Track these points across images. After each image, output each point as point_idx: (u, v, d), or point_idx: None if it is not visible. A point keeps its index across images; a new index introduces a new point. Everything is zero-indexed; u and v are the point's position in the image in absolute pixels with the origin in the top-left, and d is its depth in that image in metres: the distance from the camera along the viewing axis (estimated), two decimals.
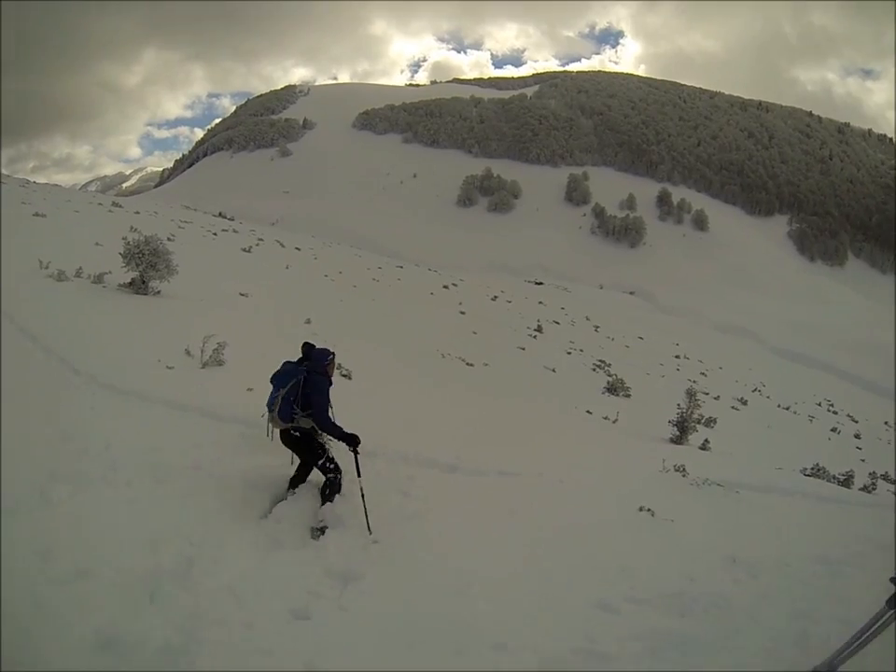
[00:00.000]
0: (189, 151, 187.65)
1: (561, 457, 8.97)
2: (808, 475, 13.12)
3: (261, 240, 41.58)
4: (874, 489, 14.51)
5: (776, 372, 51.29)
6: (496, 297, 48.23)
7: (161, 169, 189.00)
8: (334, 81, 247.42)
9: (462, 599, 4.44)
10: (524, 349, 25.78)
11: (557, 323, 41.37)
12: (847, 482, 13.98)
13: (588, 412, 16.04)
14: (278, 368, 5.53)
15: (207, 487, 5.30)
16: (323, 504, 5.25)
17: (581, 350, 30.67)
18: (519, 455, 8.44)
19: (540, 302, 54.51)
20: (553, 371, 22.38)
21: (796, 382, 49.72)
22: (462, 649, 3.88)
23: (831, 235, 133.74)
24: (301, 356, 5.60)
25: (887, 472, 18.99)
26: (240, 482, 5.52)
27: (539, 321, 36.26)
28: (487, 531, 5.77)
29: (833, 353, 74.61)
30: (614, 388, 20.99)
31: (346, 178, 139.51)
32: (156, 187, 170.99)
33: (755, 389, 36.94)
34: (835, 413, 38.37)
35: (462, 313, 32.17)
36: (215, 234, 37.22)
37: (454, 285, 48.50)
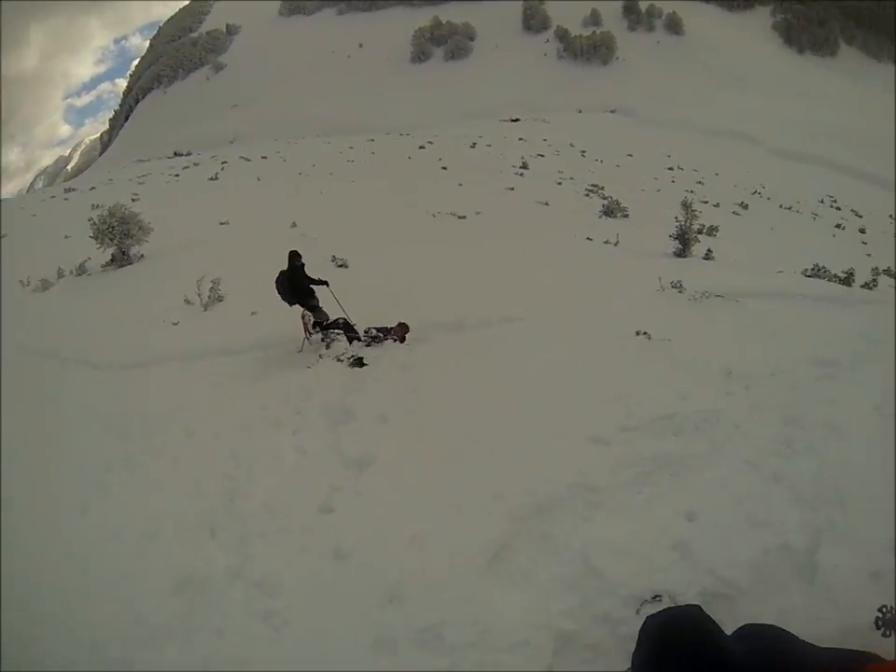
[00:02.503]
0: (120, 105, 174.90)
1: (564, 294, 9.09)
2: (809, 276, 12.99)
3: (225, 162, 40.23)
4: (874, 285, 14.36)
5: (774, 173, 49.49)
6: (474, 144, 46.29)
7: (99, 134, 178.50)
8: None
9: (459, 458, 4.83)
10: (513, 189, 25.18)
11: (542, 156, 39.95)
12: (847, 280, 13.64)
13: (588, 238, 15.84)
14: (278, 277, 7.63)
15: (232, 424, 5.92)
16: (350, 343, 7.46)
17: (571, 178, 29.90)
18: (523, 299, 8.64)
19: (521, 139, 52.32)
20: (547, 204, 21.96)
21: (796, 181, 47.94)
22: (463, 504, 4.29)
23: (819, 24, 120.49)
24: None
25: (889, 267, 18.71)
26: (261, 402, 6.26)
27: (522, 158, 35.03)
28: (484, 378, 6.17)
29: (831, 147, 70.38)
30: (611, 210, 20.67)
31: (291, 70, 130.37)
32: (101, 154, 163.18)
33: (755, 192, 36.13)
34: (838, 209, 37.44)
35: (444, 168, 31.30)
36: (177, 175, 36.13)
37: (429, 143, 46.69)
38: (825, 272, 13.55)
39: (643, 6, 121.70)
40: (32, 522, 4.72)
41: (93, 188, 36.71)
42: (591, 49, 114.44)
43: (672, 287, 8.61)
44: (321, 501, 4.55)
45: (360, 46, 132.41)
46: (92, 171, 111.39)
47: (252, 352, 7.84)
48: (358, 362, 6.82)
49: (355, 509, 4.45)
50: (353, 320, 7.69)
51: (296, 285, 7.62)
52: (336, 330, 7.62)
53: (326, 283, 7.76)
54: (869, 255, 21.03)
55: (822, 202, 39.21)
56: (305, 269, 7.72)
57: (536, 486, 4.34)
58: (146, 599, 3.83)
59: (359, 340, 7.39)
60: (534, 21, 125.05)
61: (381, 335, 7.32)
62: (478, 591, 3.61)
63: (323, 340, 7.59)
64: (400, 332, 7.48)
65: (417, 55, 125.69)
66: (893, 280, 16.82)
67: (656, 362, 6.23)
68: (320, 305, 7.84)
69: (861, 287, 13.63)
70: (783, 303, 8.50)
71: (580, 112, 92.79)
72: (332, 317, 7.77)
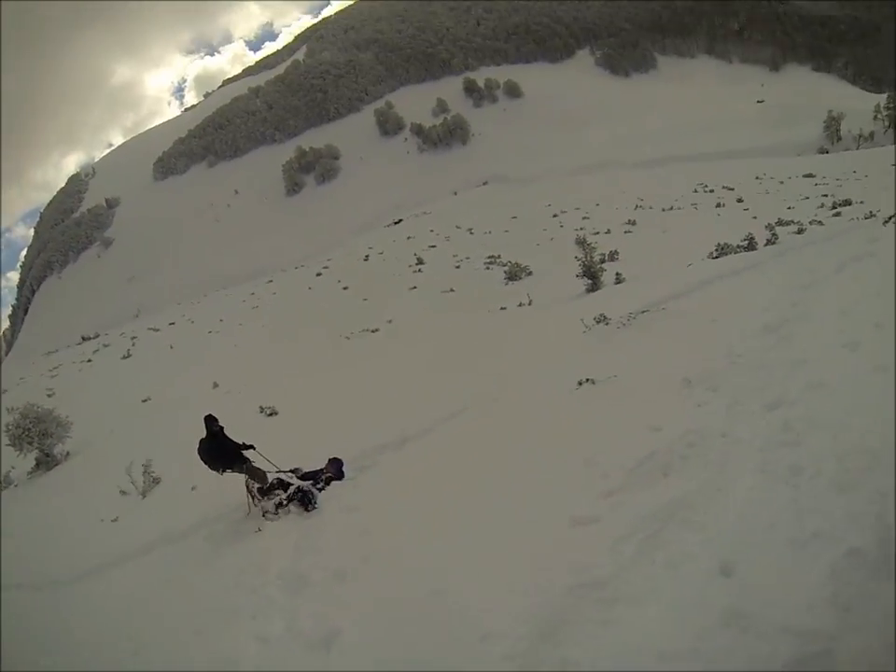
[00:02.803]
0: (17, 299, 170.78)
1: (495, 370, 8.88)
2: (716, 257, 13.58)
3: (135, 337, 39.61)
4: (777, 239, 15.25)
5: (646, 184, 53.50)
6: (367, 256, 47.71)
7: (2, 333, 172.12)
8: (111, 148, 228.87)
9: (426, 605, 3.93)
10: (415, 287, 25.92)
11: (434, 246, 41.22)
12: (751, 245, 14.53)
13: (502, 308, 16.04)
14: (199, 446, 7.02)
15: (187, 629, 5.12)
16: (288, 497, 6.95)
17: (467, 258, 30.71)
18: (457, 392, 8.32)
19: (409, 237, 54.18)
20: (452, 290, 22.49)
21: (667, 183, 52.26)
22: (451, 643, 3.49)
23: (633, 46, 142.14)
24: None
25: (779, 219, 20.50)
26: (213, 589, 5.61)
27: (415, 254, 35.99)
28: (437, 491, 5.59)
29: (682, 143, 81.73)
30: (514, 275, 21.37)
31: (177, 231, 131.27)
32: (6, 354, 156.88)
33: (636, 206, 38.51)
34: (712, 191, 41.23)
35: (345, 288, 31.86)
36: (89, 361, 35.08)
37: (325, 268, 47.78)
38: (728, 247, 14.18)
39: (480, 82, 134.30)
40: None
41: (6, 390, 35.11)
42: (447, 135, 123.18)
43: (597, 322, 8.48)
44: None
45: (236, 192, 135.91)
46: (2, 372, 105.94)
47: (199, 531, 7.17)
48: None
49: None
50: (286, 469, 7.29)
51: (221, 451, 7.08)
52: (277, 490, 7.10)
53: (251, 446, 7.27)
54: (755, 217, 22.72)
55: (696, 190, 42.68)
56: (225, 431, 7.22)
57: (527, 610, 3.44)
58: None
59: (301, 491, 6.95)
60: (389, 125, 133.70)
61: (314, 480, 6.98)
62: None
63: (269, 500, 7.03)
64: (332, 469, 7.16)
65: (291, 187, 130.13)
66: (793, 226, 18.15)
67: (611, 404, 5.77)
68: (252, 463, 7.28)
69: (766, 245, 14.35)
70: (707, 292, 8.60)
71: (455, 194, 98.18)
72: (267, 474, 7.28)
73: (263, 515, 6.86)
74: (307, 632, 4.30)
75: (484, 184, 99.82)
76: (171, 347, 28.96)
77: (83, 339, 65.16)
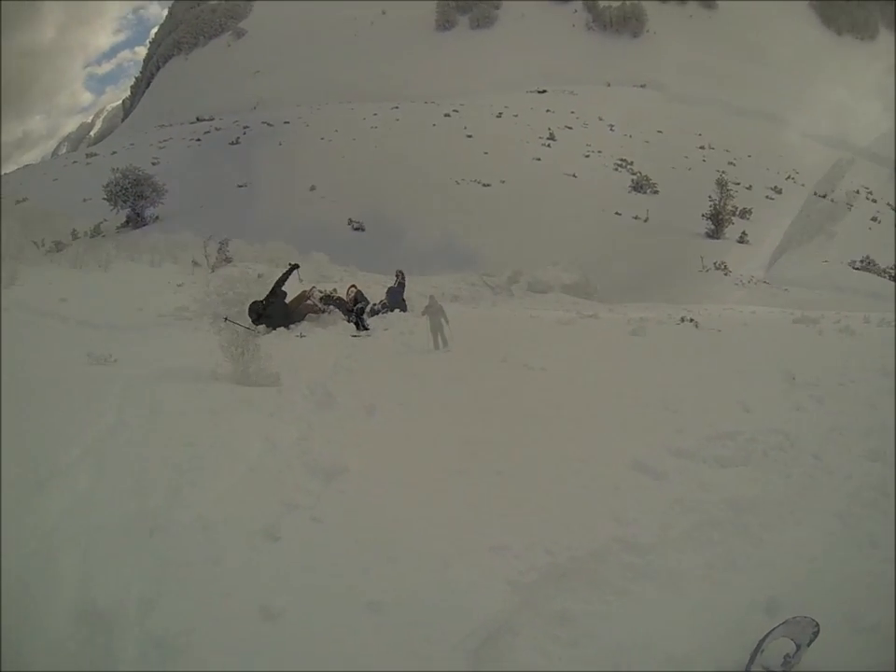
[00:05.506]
0: (141, 72, 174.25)
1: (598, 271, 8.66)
2: (857, 268, 12.05)
3: (247, 127, 39.83)
4: None
5: (809, 160, 47.24)
6: (500, 113, 45.28)
7: (122, 101, 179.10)
8: None
9: (448, 487, 3.57)
10: (539, 159, 24.55)
11: (570, 128, 38.83)
12: None
13: (617, 213, 15.45)
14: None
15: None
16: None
17: (600, 151, 29.02)
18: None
19: (548, 110, 51.02)
20: (574, 175, 21.36)
21: (834, 167, 45.01)
22: (452, 556, 3.00)
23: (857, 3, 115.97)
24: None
25: None
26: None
27: (549, 129, 34.16)
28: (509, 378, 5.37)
29: (865, 136, 68.46)
30: (640, 186, 20.09)
31: (313, 37, 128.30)
32: (123, 121, 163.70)
33: (788, 177, 34.64)
34: (874, 201, 35.70)
35: (469, 136, 30.63)
36: (198, 140, 35.86)
37: (454, 111, 45.93)
38: (874, 265, 12.44)
39: None
40: None
41: (115, 152, 36.54)
42: (621, 20, 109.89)
43: (716, 267, 8.07)
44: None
45: (383, 13, 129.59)
46: (115, 137, 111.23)
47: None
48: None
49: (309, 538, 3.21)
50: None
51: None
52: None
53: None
54: None
55: (858, 192, 37.63)
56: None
57: (554, 536, 3.07)
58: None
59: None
60: None
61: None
62: None
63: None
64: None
65: (443, 22, 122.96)
66: None
67: (707, 356, 5.31)
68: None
69: None
70: (834, 296, 7.83)
71: (608, 85, 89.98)
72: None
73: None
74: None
75: (642, 86, 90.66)
76: (279, 144, 28.99)
77: (197, 119, 66.46)
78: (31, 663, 2.52)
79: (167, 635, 2.52)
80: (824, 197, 30.13)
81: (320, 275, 11.17)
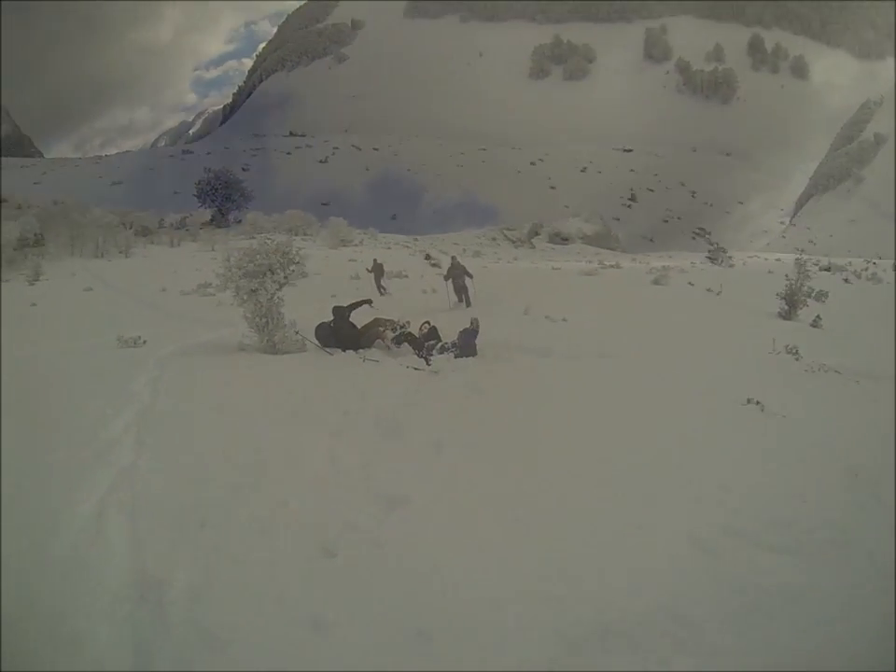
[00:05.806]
0: (245, 81, 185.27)
1: (661, 335, 8.58)
2: None
3: (336, 148, 41.51)
4: None
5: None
6: (585, 168, 45.80)
7: (223, 106, 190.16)
8: None
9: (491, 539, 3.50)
10: (618, 219, 24.60)
11: (651, 191, 38.84)
12: None
13: (690, 283, 15.18)
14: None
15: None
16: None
17: (679, 218, 28.75)
18: (618, 332, 8.29)
19: (632, 170, 51.18)
20: (651, 240, 21.20)
21: None
22: (511, 598, 2.99)
23: None
24: None
25: None
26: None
27: (631, 189, 34.19)
28: (563, 432, 5.15)
29: None
30: (716, 257, 19.67)
31: (410, 70, 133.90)
32: (221, 124, 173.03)
33: (870, 262, 32.59)
34: None
35: (552, 188, 30.99)
36: (288, 153, 37.69)
37: (540, 160, 46.73)
38: None
39: (769, 44, 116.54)
40: None
41: (209, 153, 38.48)
42: (712, 86, 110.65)
43: (787, 351, 7.67)
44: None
45: (480, 55, 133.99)
46: (211, 139, 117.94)
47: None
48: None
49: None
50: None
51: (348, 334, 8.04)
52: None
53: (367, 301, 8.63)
54: None
55: None
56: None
57: (606, 595, 3.04)
58: None
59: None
60: (655, 51, 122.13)
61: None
62: None
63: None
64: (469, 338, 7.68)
65: (536, 71, 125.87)
66: None
67: (768, 442, 5.10)
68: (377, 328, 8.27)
69: None
70: None
71: (694, 150, 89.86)
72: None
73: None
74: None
75: (727, 154, 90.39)
76: (366, 169, 29.97)
77: (290, 133, 69.51)
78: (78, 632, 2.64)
79: (214, 626, 2.68)
80: None
81: None
